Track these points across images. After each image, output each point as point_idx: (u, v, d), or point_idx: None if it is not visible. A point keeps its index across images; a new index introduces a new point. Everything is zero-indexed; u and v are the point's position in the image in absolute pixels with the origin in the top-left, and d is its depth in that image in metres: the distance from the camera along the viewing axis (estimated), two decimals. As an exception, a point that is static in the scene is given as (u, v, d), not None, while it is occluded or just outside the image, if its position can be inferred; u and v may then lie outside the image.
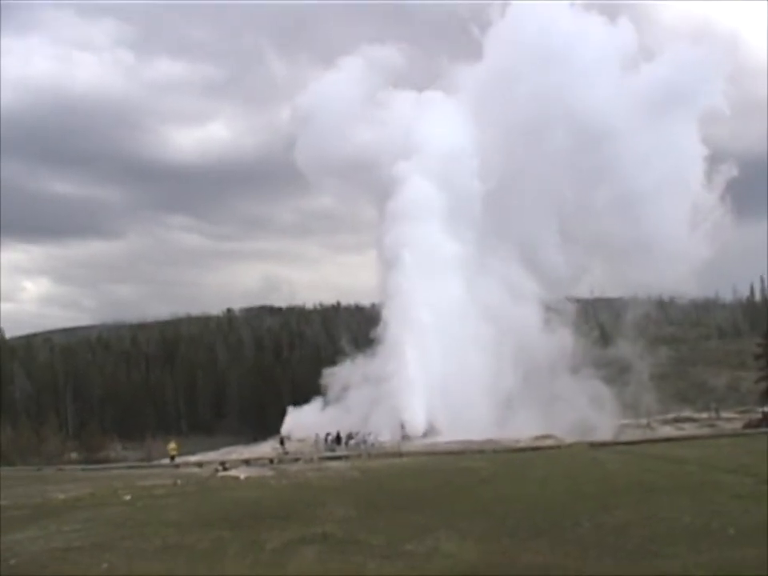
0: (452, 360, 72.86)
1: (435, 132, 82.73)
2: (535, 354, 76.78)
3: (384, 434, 67.43)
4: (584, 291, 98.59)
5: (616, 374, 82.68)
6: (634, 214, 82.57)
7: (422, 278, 77.23)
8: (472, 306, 77.96)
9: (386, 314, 79.18)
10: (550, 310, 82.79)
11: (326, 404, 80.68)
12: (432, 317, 75.19)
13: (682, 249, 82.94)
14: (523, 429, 65.14)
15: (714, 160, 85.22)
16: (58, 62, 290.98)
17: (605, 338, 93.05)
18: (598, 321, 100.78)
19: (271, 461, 53.12)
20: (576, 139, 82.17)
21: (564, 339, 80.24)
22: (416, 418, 68.61)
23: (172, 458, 59.67)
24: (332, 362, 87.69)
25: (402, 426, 67.82)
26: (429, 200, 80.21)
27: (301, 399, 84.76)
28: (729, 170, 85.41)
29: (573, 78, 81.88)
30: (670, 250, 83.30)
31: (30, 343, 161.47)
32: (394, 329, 76.13)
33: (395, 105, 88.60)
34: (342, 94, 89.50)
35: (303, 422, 76.84)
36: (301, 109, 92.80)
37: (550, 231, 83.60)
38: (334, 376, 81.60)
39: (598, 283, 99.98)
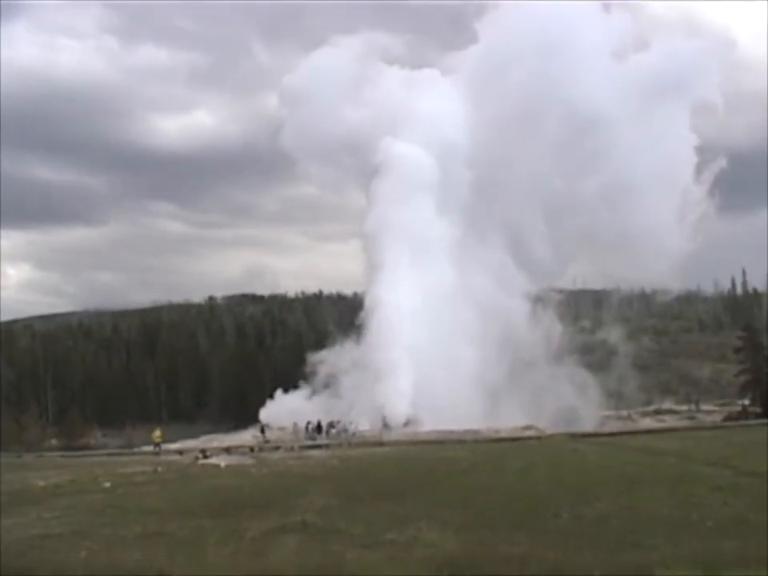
0: (437, 348, 72.57)
1: (428, 109, 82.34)
2: (521, 344, 76.82)
3: (365, 423, 67.39)
4: (567, 282, 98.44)
5: (597, 365, 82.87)
6: (621, 205, 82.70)
7: (408, 261, 76.89)
8: (460, 292, 77.32)
9: (368, 300, 78.67)
10: (537, 300, 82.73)
11: (312, 391, 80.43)
12: (417, 304, 74.71)
13: (667, 241, 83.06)
14: (508, 419, 65.25)
15: (703, 152, 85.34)
16: (43, 48, 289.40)
17: (587, 330, 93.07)
18: (580, 313, 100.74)
19: (252, 449, 53.17)
20: (567, 128, 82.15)
21: (550, 330, 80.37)
22: (397, 407, 68.42)
23: (156, 444, 59.48)
24: (317, 347, 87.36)
25: (383, 416, 67.75)
26: (417, 177, 79.47)
27: (283, 387, 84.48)
28: (717, 163, 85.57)
29: (566, 66, 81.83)
30: (654, 243, 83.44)
31: (10, 329, 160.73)
32: (376, 316, 75.39)
33: (386, 83, 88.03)
34: (332, 73, 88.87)
35: (284, 410, 76.55)
36: (289, 89, 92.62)
37: (537, 220, 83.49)
38: (322, 363, 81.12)
39: (580, 274, 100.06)
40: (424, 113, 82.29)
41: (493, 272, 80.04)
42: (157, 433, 61.07)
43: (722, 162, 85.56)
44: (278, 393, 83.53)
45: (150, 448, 62.82)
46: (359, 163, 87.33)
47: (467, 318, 75.96)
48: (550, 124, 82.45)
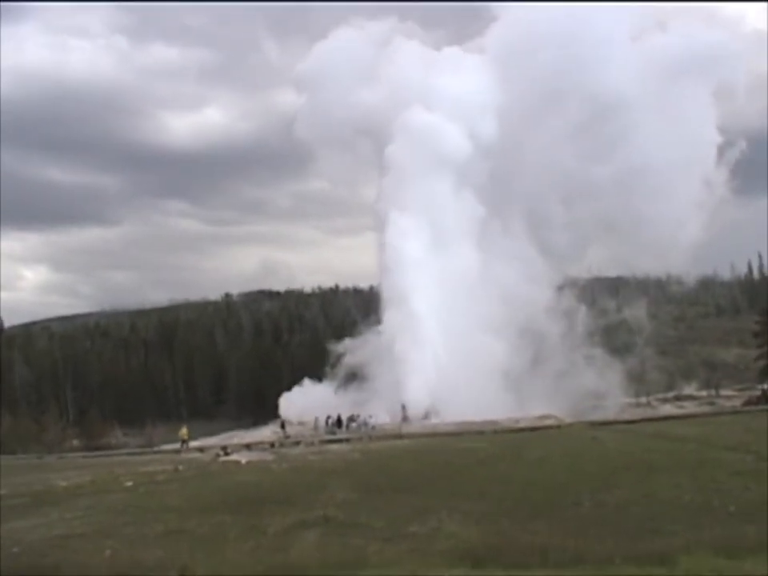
0: (458, 338, 72.07)
1: (450, 84, 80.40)
2: (543, 332, 76.46)
3: (385, 416, 67.34)
4: (582, 269, 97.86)
5: (616, 352, 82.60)
6: (639, 190, 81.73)
7: (427, 241, 76.07)
8: (483, 280, 76.14)
9: (385, 288, 77.82)
10: (559, 287, 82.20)
11: (335, 383, 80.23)
12: (436, 292, 73.95)
13: (684, 227, 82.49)
14: (530, 408, 65.04)
15: (724, 136, 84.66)
16: (53, 49, 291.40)
17: (606, 318, 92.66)
18: (597, 300, 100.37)
19: (272, 445, 53.14)
20: (587, 112, 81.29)
21: (571, 318, 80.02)
22: (416, 399, 68.31)
23: (183, 442, 59.41)
24: (337, 340, 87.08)
25: (403, 408, 67.68)
26: (437, 149, 77.95)
27: (303, 379, 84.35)
28: (737, 148, 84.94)
29: (587, 50, 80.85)
30: (671, 229, 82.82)
31: (28, 331, 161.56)
32: (394, 306, 74.41)
33: (405, 61, 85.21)
34: (347, 55, 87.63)
35: (304, 405, 76.45)
36: (303, 74, 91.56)
37: (555, 205, 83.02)
38: (344, 353, 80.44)
39: (596, 262, 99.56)
40: (446, 87, 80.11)
41: (516, 259, 78.59)
42: (183, 430, 60.97)
43: (741, 146, 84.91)
44: (297, 387, 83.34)
45: (170, 446, 63.00)
46: (377, 148, 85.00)
47: (490, 308, 74.76)
48: (570, 108, 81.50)
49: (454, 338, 71.75)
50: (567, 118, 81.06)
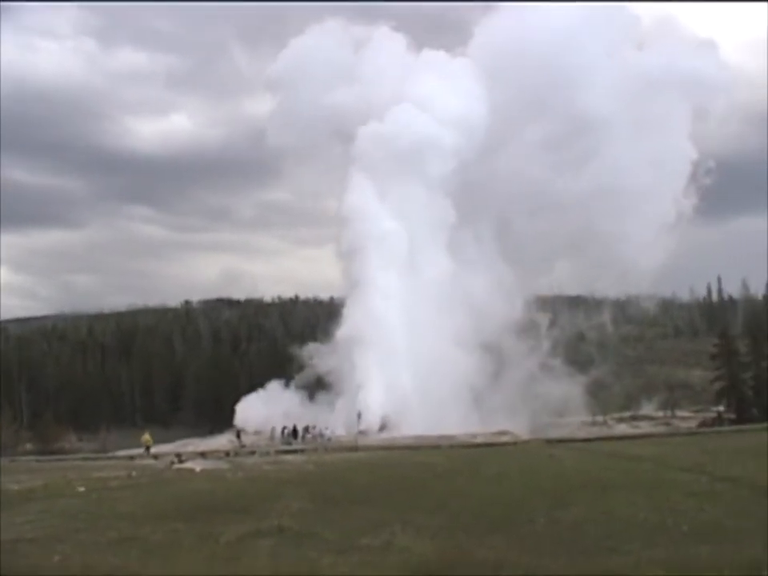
0: (422, 348, 71.75)
1: (428, 88, 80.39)
2: (505, 347, 76.47)
3: (340, 428, 67.34)
4: (543, 286, 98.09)
5: (575, 371, 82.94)
6: (607, 208, 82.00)
7: (395, 247, 75.50)
8: (449, 288, 76.24)
9: (348, 297, 78.02)
10: (522, 302, 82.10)
11: (300, 389, 79.77)
12: (402, 301, 73.83)
13: (650, 249, 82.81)
14: (489, 424, 65.15)
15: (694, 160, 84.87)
16: (20, 50, 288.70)
17: (565, 336, 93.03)
18: (557, 318, 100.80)
19: (227, 453, 52.98)
20: (564, 126, 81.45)
21: (533, 335, 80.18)
22: (373, 410, 68.32)
23: (147, 448, 59.12)
24: (290, 353, 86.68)
25: (359, 417, 67.69)
26: (408, 150, 77.58)
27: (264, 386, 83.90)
28: (706, 172, 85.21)
29: (567, 64, 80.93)
30: (636, 250, 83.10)
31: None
32: (354, 317, 74.59)
33: (383, 61, 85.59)
34: (323, 55, 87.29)
35: (260, 414, 76.22)
36: (278, 73, 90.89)
37: (523, 217, 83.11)
38: (314, 358, 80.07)
39: (557, 279, 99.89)
40: (423, 91, 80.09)
41: (485, 269, 79.28)
42: (146, 436, 60.74)
43: (710, 170, 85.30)
44: (258, 392, 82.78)
45: (125, 452, 62.68)
46: (349, 150, 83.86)
47: (456, 318, 74.99)
48: (546, 121, 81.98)
49: (419, 348, 71.63)
50: (543, 130, 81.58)
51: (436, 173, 78.07)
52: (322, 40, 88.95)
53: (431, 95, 79.37)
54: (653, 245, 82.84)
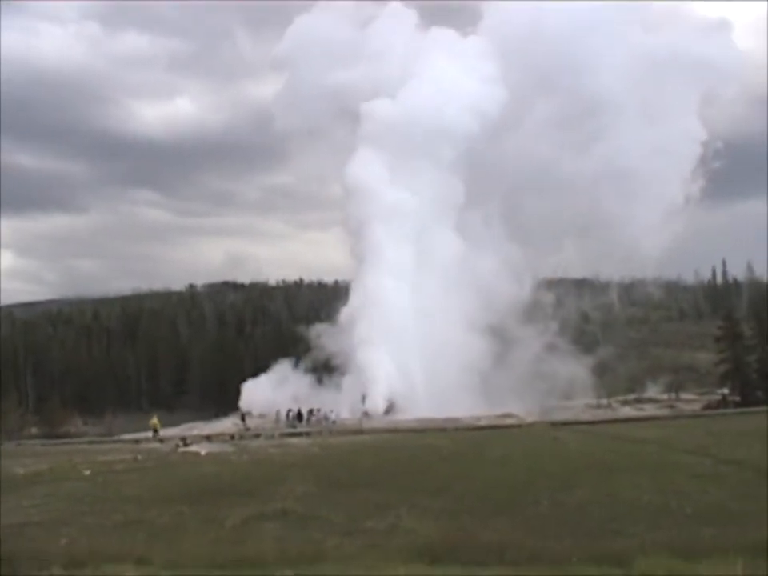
0: (428, 330, 71.37)
1: (439, 66, 79.38)
2: (512, 329, 76.06)
3: (346, 411, 67.25)
4: (548, 269, 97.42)
5: (579, 353, 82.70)
6: (614, 191, 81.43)
7: (401, 227, 74.73)
8: (457, 269, 75.53)
9: (354, 279, 77.50)
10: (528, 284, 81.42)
11: (304, 369, 79.52)
12: (410, 281, 73.28)
13: (657, 232, 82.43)
14: (495, 407, 64.95)
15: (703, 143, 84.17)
16: (24, 34, 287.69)
17: (569, 319, 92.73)
18: (562, 301, 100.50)
19: (232, 437, 53.07)
20: (574, 107, 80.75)
21: (538, 318, 79.80)
22: (377, 394, 68.14)
23: (155, 431, 58.97)
24: (295, 335, 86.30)
25: (363, 400, 67.62)
26: (415, 128, 76.31)
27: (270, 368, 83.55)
28: (713, 155, 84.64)
29: (578, 45, 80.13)
30: (643, 233, 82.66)
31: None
32: (358, 300, 73.91)
33: (393, 38, 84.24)
34: (329, 32, 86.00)
35: (265, 397, 76.02)
36: (281, 55, 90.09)
37: (530, 198, 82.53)
38: (321, 337, 79.40)
39: (562, 261, 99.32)
40: (434, 69, 79.16)
41: (493, 251, 78.54)
42: (154, 420, 60.65)
43: (719, 153, 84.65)
44: (265, 374, 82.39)
45: (130, 436, 62.75)
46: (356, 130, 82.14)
47: (464, 300, 74.35)
48: (555, 102, 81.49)
49: (425, 328, 71.16)
50: (552, 111, 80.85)
51: (447, 154, 77.20)
52: (328, 17, 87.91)
53: (443, 75, 78.19)
54: (659, 228, 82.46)
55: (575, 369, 79.59)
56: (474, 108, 77.26)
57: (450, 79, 78.28)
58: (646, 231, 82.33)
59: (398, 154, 75.87)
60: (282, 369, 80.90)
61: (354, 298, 75.04)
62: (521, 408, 65.64)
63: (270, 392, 76.65)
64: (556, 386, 77.30)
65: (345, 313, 75.61)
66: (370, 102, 78.61)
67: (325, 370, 77.89)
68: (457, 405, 63.23)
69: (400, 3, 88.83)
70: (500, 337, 75.06)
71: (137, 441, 55.63)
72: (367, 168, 76.05)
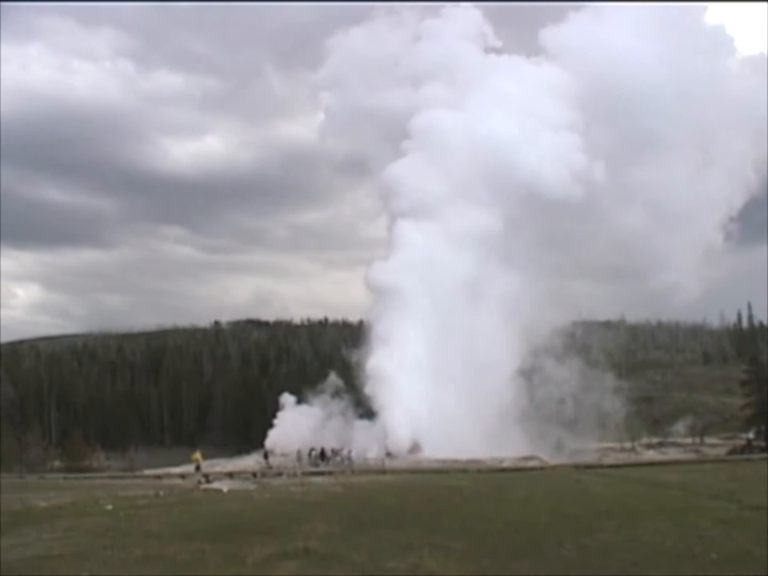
0: (450, 372, 70.65)
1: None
2: (534, 372, 75.26)
3: (368, 451, 67.04)
4: (573, 313, 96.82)
5: (601, 396, 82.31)
6: (657, 235, 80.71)
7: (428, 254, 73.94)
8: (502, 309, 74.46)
9: (373, 317, 76.72)
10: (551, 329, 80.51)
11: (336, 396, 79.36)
12: (430, 316, 72.25)
13: (691, 276, 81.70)
14: (513, 449, 64.44)
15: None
16: (57, 71, 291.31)
17: (593, 361, 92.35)
18: (587, 343, 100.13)
19: (254, 474, 52.99)
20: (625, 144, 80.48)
21: (561, 360, 79.10)
22: (400, 435, 67.82)
23: (197, 467, 58.54)
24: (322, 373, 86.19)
25: (386, 444, 67.42)
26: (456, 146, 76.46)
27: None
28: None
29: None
30: (678, 277, 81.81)
31: (15, 350, 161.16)
32: (380, 346, 72.82)
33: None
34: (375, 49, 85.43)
35: (289, 435, 75.82)
36: (329, 71, 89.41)
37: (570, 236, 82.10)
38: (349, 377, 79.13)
39: (586, 305, 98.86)
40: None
41: (524, 288, 76.90)
42: (197, 455, 60.34)
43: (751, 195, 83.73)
44: (290, 403, 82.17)
45: (152, 471, 62.73)
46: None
47: (494, 345, 72.86)
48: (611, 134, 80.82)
49: (447, 371, 70.63)
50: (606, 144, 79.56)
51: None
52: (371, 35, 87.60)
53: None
54: (696, 272, 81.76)
55: (598, 411, 79.23)
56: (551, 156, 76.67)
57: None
58: (684, 275, 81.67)
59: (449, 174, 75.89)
60: (307, 409, 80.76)
61: (376, 347, 74.01)
62: (542, 451, 65.34)
63: (294, 429, 76.29)
64: (579, 429, 76.93)
65: (369, 364, 73.99)
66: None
67: (357, 407, 77.46)
68: (477, 445, 62.94)
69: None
70: (525, 380, 74.56)
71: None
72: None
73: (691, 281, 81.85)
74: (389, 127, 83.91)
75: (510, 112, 78.14)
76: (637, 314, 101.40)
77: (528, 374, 75.20)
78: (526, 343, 75.00)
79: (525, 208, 77.45)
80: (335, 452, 66.18)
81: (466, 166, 76.17)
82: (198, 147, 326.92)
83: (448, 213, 75.47)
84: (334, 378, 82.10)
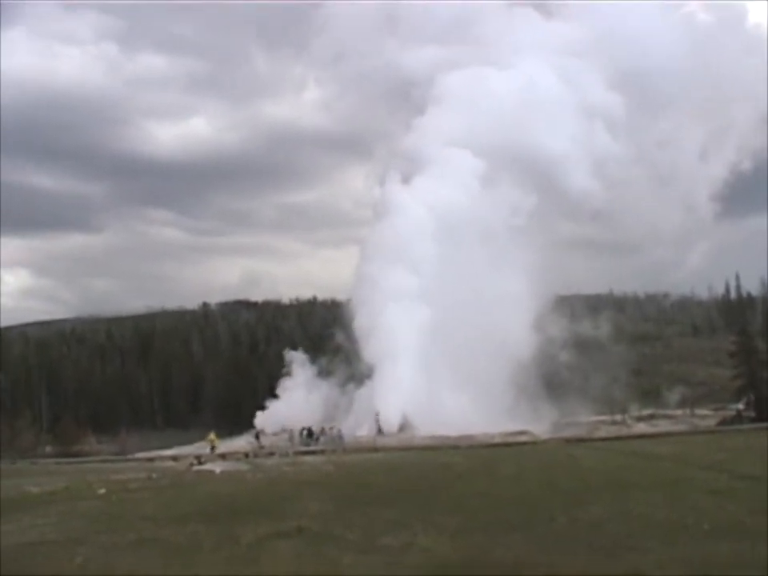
0: (440, 347, 70.44)
1: None
2: (524, 346, 75.06)
3: (360, 429, 67.03)
4: (562, 286, 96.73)
5: (592, 370, 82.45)
6: (631, 208, 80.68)
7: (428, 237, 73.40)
8: (489, 291, 73.21)
9: (357, 298, 76.23)
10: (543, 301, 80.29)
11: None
12: (416, 299, 71.29)
13: (683, 248, 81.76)
14: (506, 424, 64.30)
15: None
16: (41, 56, 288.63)
17: (582, 335, 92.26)
18: (575, 316, 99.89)
19: (246, 455, 52.99)
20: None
21: (550, 335, 79.02)
22: (391, 412, 67.74)
23: (212, 448, 58.64)
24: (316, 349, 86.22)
25: (376, 419, 67.35)
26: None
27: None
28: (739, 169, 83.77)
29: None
30: (668, 249, 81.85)
31: (4, 336, 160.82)
32: (369, 324, 72.17)
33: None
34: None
35: (280, 414, 75.87)
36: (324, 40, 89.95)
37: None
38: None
39: (575, 278, 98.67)
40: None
41: (525, 271, 76.62)
42: (212, 436, 60.48)
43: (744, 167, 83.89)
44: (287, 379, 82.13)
45: (144, 455, 62.74)
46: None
47: (481, 319, 71.99)
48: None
49: (437, 347, 70.39)
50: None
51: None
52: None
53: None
54: (684, 244, 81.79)
55: (588, 385, 79.36)
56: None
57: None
58: (671, 248, 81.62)
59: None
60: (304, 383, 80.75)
61: (365, 315, 73.68)
62: (533, 425, 65.32)
63: (288, 408, 76.32)
64: (569, 402, 77.05)
65: (359, 328, 74.12)
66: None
67: (349, 382, 77.23)
68: (468, 422, 62.83)
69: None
70: (515, 354, 74.35)
71: (151, 459, 55.51)
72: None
73: (682, 253, 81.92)
74: (390, 92, 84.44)
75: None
76: (624, 286, 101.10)
77: (519, 347, 74.75)
78: (515, 317, 74.60)
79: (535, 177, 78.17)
80: (323, 431, 66.20)
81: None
82: (184, 129, 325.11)
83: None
84: (338, 339, 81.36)
